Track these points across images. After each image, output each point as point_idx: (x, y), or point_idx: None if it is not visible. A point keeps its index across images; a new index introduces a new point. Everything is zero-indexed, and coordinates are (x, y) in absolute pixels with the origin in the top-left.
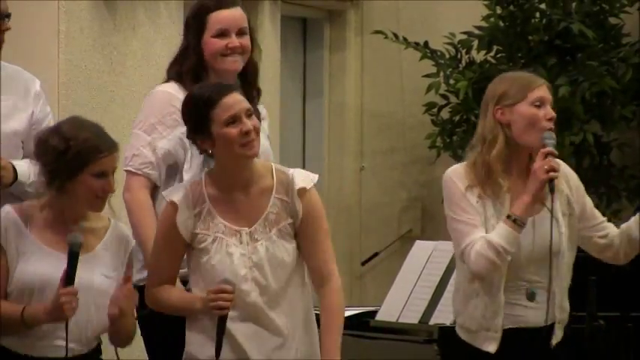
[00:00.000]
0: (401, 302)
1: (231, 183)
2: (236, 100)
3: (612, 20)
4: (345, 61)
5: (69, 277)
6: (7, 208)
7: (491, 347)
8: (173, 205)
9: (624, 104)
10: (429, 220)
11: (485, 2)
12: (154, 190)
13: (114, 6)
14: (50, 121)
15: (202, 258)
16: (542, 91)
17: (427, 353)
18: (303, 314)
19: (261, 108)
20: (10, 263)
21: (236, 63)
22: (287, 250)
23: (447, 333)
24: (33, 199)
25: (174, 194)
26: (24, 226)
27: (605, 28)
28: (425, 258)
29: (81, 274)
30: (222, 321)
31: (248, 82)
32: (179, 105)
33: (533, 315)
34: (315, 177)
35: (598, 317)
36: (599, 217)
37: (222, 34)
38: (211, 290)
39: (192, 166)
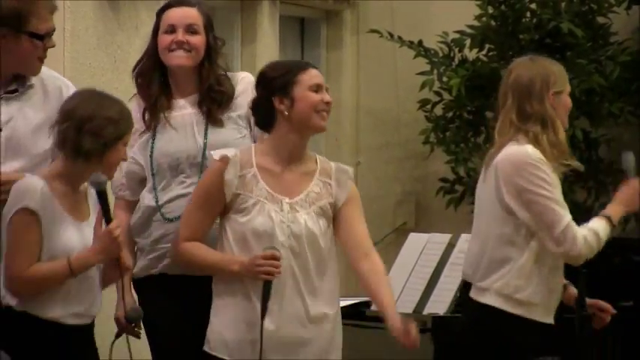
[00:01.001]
0: (396, 292)
1: (283, 157)
2: (320, 75)
3: (600, 20)
4: (341, 60)
5: (106, 215)
6: (38, 181)
7: (550, 319)
8: (224, 160)
9: (612, 101)
10: (423, 213)
11: (478, 2)
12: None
13: (117, 6)
14: None
15: (242, 218)
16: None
17: (421, 342)
18: (331, 295)
19: (235, 76)
20: (44, 233)
21: (181, 59)
22: (323, 229)
23: (440, 322)
24: (37, 172)
25: (226, 151)
26: (53, 196)
27: (594, 27)
28: (419, 250)
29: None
30: (267, 286)
31: (202, 84)
32: (138, 125)
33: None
34: (351, 169)
35: (586, 306)
36: None
37: (171, 30)
38: (260, 255)
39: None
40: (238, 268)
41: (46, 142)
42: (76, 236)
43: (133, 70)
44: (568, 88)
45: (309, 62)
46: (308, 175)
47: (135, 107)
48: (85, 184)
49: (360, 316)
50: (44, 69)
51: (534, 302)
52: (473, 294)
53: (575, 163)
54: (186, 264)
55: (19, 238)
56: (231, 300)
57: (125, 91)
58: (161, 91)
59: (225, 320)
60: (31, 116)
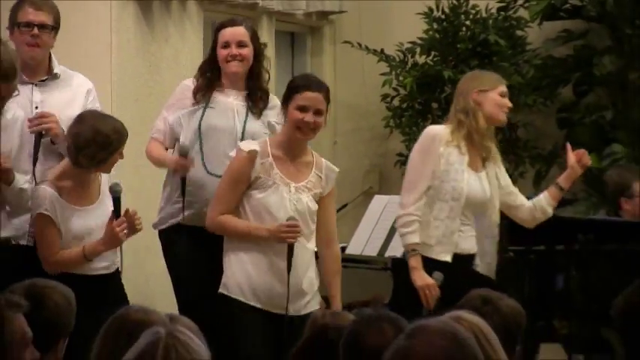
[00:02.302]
0: (364, 240)
1: (289, 149)
2: (313, 97)
3: (519, 33)
4: (322, 64)
5: (117, 214)
6: (47, 188)
7: (448, 257)
8: (252, 153)
9: (527, 94)
10: (385, 180)
11: (426, 20)
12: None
13: (152, 23)
14: None
15: (259, 195)
16: (504, 87)
17: (383, 277)
18: (311, 257)
19: (273, 98)
20: (60, 226)
21: (236, 67)
22: (315, 209)
23: (397, 263)
24: (45, 178)
25: (253, 145)
26: (59, 197)
27: (514, 38)
28: (381, 208)
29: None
30: (291, 248)
31: (253, 83)
32: (190, 94)
33: (467, 243)
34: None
35: (508, 250)
36: (515, 189)
37: (226, 45)
38: (285, 224)
39: (185, 138)
40: (267, 234)
41: (71, 114)
42: (81, 222)
43: (200, 67)
44: (499, 89)
45: (318, 83)
46: (307, 166)
47: (189, 86)
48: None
49: None
50: (77, 75)
51: (429, 243)
52: None
53: (493, 148)
54: (221, 232)
55: (41, 236)
56: (245, 256)
57: (158, 88)
58: (216, 81)
59: (240, 270)
60: (59, 97)
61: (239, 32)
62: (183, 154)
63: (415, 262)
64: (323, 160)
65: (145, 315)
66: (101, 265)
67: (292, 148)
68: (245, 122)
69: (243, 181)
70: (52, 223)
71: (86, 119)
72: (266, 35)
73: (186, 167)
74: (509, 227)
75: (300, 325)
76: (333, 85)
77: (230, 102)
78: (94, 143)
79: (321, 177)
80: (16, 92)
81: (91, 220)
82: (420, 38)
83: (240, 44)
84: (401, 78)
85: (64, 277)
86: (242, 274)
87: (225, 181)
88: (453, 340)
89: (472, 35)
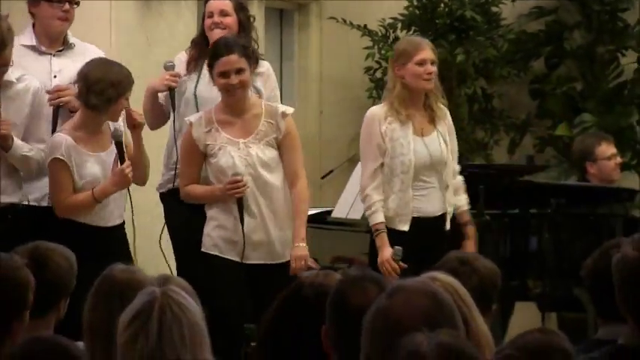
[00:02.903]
0: (349, 204)
1: (231, 111)
2: (226, 61)
3: (494, 9)
4: (309, 39)
5: (121, 159)
6: (63, 135)
7: (405, 227)
8: (190, 124)
9: (502, 67)
10: None
11: None
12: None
13: (149, 5)
14: None
15: (213, 160)
16: (425, 53)
17: (366, 239)
18: (282, 202)
19: (263, 64)
20: (73, 172)
21: (217, 34)
22: (271, 155)
23: None
24: (62, 128)
25: (192, 117)
26: (75, 144)
27: (489, 14)
28: None
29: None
30: (240, 202)
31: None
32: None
33: (431, 206)
34: (292, 109)
35: (484, 214)
36: (456, 160)
37: (210, 15)
38: (228, 181)
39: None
40: (220, 193)
41: None
42: (96, 167)
43: (192, 40)
44: (416, 58)
45: (227, 46)
46: (256, 118)
47: (183, 58)
48: (107, 123)
49: (323, 221)
50: (90, 46)
51: (389, 215)
52: None
53: (439, 110)
54: (190, 200)
55: (54, 180)
56: (217, 214)
57: (155, 60)
58: (206, 51)
59: (215, 228)
60: (75, 66)
61: (223, 3)
62: (170, 68)
63: (379, 241)
64: (275, 106)
65: (130, 274)
66: (109, 217)
67: (233, 109)
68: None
69: (194, 151)
70: (65, 168)
71: (95, 62)
72: (256, 11)
73: (174, 81)
74: (486, 192)
75: (276, 273)
76: (319, 58)
77: None
78: (103, 81)
79: (272, 123)
80: (11, 62)
81: (104, 165)
82: (401, 14)
83: (223, 13)
84: (383, 52)
85: (74, 228)
86: (216, 232)
87: (181, 154)
88: (431, 299)
89: (450, 11)
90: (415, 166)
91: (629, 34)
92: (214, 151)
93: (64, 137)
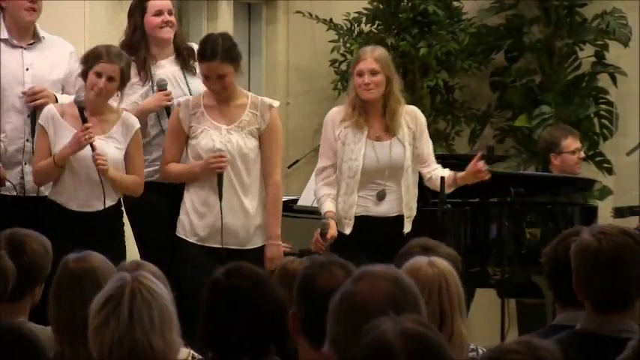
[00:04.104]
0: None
1: (217, 98)
2: (208, 67)
3: (455, 3)
4: (277, 32)
5: (84, 121)
6: (51, 106)
7: (348, 230)
8: (179, 105)
9: (463, 60)
10: None
11: None
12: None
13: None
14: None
15: (194, 141)
16: (363, 64)
17: None
18: (259, 193)
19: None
20: (51, 140)
21: (167, 33)
22: (251, 146)
23: None
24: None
25: (181, 98)
26: (61, 118)
27: (451, 8)
28: None
29: (102, 149)
30: (220, 176)
31: (177, 44)
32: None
33: (382, 207)
34: (278, 103)
35: (446, 202)
36: (433, 160)
37: (159, 13)
38: (211, 155)
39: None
40: (199, 169)
41: (57, 76)
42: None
43: (127, 44)
44: (357, 68)
45: (211, 51)
46: (241, 107)
47: (133, 70)
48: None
49: (289, 209)
50: (58, 39)
51: (337, 215)
52: None
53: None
54: (169, 179)
55: (35, 145)
56: (188, 196)
57: None
58: (147, 55)
59: (190, 212)
60: (45, 59)
61: (168, 3)
62: (162, 87)
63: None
64: (260, 98)
65: (85, 263)
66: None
67: (219, 97)
68: (188, 84)
69: (179, 132)
70: (44, 135)
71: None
72: (225, 5)
73: (169, 100)
74: None
75: (250, 258)
76: (286, 50)
77: (167, 73)
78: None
79: (256, 114)
80: None
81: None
82: (365, 9)
83: (170, 12)
84: (348, 45)
85: (61, 212)
86: (184, 214)
87: (167, 134)
88: (395, 283)
89: (412, 6)
90: (365, 171)
91: (587, 28)
92: (196, 133)
93: (50, 109)
